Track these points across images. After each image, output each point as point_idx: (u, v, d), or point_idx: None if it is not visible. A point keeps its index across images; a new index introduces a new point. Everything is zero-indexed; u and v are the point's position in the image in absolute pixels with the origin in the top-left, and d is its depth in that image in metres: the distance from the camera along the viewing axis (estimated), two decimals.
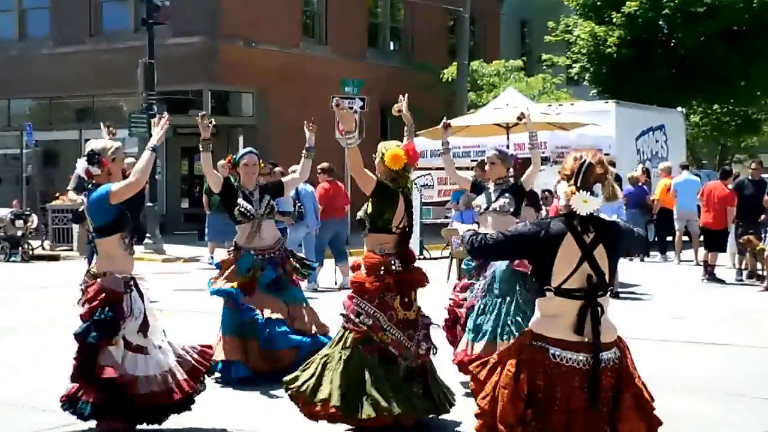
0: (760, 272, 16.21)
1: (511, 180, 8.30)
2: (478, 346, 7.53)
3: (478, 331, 7.68)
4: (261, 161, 8.89)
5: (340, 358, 6.50)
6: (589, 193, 4.46)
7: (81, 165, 6.65)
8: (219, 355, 8.15)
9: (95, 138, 7.19)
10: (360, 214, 6.78)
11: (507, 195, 8.07)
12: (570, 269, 4.43)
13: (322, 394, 6.40)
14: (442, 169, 23.27)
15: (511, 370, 4.47)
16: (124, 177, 6.65)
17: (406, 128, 7.26)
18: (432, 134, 18.85)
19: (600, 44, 31.46)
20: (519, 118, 9.34)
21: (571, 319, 4.42)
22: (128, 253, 6.59)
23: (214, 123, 7.65)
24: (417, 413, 6.50)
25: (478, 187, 8.43)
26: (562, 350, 4.41)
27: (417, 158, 6.79)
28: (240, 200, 8.47)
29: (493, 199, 8.13)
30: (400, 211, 6.67)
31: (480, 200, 8.27)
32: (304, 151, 8.70)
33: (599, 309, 4.44)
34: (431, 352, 6.75)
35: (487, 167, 8.45)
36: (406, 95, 7.30)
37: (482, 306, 7.76)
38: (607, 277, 4.49)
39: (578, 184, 4.49)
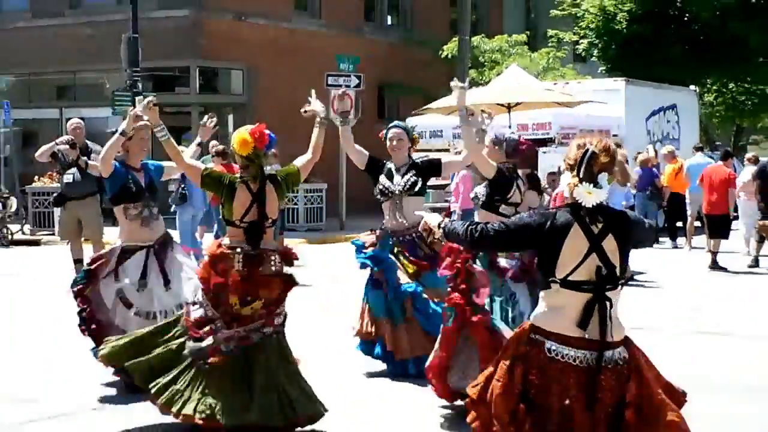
0: None
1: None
2: None
3: None
4: (415, 135, 8.46)
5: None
6: (592, 184, 4.43)
7: None
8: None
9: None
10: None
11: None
12: (577, 261, 4.40)
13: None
14: (441, 150, 23.56)
15: (506, 363, 4.47)
16: None
17: (317, 120, 6.97)
18: (445, 110, 18.78)
19: (610, 19, 31.49)
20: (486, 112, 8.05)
21: (575, 312, 4.39)
22: (138, 224, 7.94)
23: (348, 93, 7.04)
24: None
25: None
26: (559, 345, 4.38)
27: (265, 141, 6.48)
28: (381, 177, 8.25)
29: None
30: (242, 203, 6.45)
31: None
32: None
33: (608, 303, 4.40)
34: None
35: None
36: (313, 90, 7.29)
37: None
38: (618, 270, 4.45)
39: (581, 176, 4.45)
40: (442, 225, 4.90)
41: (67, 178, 13.46)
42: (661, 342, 9.36)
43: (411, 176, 8.12)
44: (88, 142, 13.64)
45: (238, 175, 6.59)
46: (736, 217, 17.98)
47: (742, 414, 7.38)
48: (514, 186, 7.12)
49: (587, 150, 4.47)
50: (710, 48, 30.96)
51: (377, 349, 8.32)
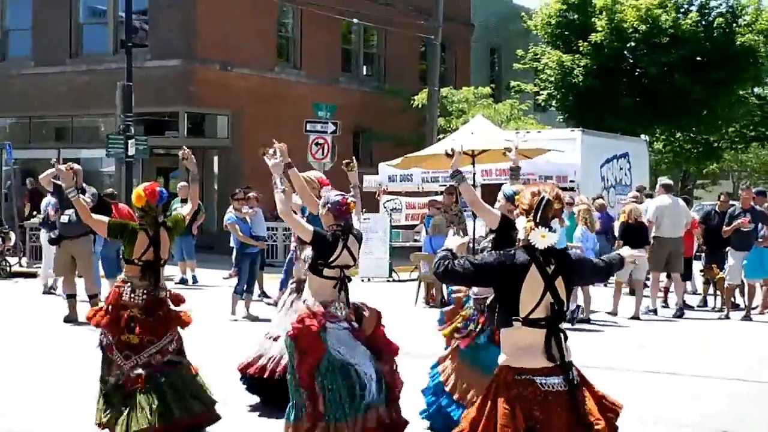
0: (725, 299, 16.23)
1: None
2: None
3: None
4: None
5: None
6: (547, 228, 4.51)
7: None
8: None
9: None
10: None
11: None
12: (535, 300, 4.48)
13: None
14: (410, 194, 23.62)
15: (506, 407, 4.45)
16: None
17: (189, 175, 7.79)
18: (402, 164, 18.94)
19: (567, 73, 31.77)
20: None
21: (541, 346, 4.48)
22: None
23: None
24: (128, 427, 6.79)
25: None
26: (546, 377, 4.47)
27: (156, 197, 7.17)
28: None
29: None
30: (140, 245, 7.09)
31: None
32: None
33: (561, 335, 4.52)
34: (149, 379, 6.91)
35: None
36: (188, 149, 7.82)
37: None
38: (564, 306, 4.58)
39: (537, 220, 4.54)
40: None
41: (64, 218, 13.43)
42: (607, 378, 9.32)
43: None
44: (84, 185, 13.60)
45: (138, 223, 7.22)
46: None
47: None
48: (339, 248, 6.38)
49: (543, 197, 4.55)
50: (659, 101, 31.32)
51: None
